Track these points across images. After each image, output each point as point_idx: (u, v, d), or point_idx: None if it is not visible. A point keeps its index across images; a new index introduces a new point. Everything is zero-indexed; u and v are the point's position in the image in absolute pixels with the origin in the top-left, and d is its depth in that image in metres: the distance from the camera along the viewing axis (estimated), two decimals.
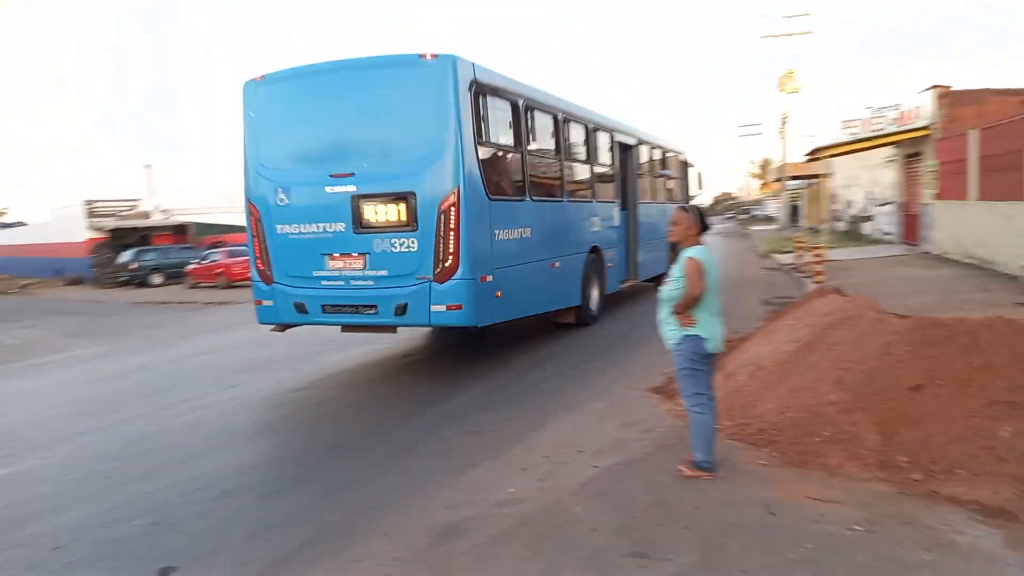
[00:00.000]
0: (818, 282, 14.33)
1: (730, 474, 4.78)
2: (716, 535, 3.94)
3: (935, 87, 17.52)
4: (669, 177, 15.48)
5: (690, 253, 4.69)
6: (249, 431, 6.81)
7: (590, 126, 11.12)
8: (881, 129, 19.17)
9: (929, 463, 4.49)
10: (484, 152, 7.69)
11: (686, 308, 4.63)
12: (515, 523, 4.22)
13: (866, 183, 27.90)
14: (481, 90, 7.69)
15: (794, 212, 44.49)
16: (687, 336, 4.69)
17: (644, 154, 13.77)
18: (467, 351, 9.79)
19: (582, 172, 11.02)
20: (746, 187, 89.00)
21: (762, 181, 70.69)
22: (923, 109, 18.02)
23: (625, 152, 12.68)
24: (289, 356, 10.02)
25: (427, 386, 7.99)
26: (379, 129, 7.67)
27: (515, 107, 8.59)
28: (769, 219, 56.98)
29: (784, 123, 29.56)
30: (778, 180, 37.37)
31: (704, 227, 4.80)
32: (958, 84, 17.35)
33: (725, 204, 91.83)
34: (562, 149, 9.95)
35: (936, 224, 17.65)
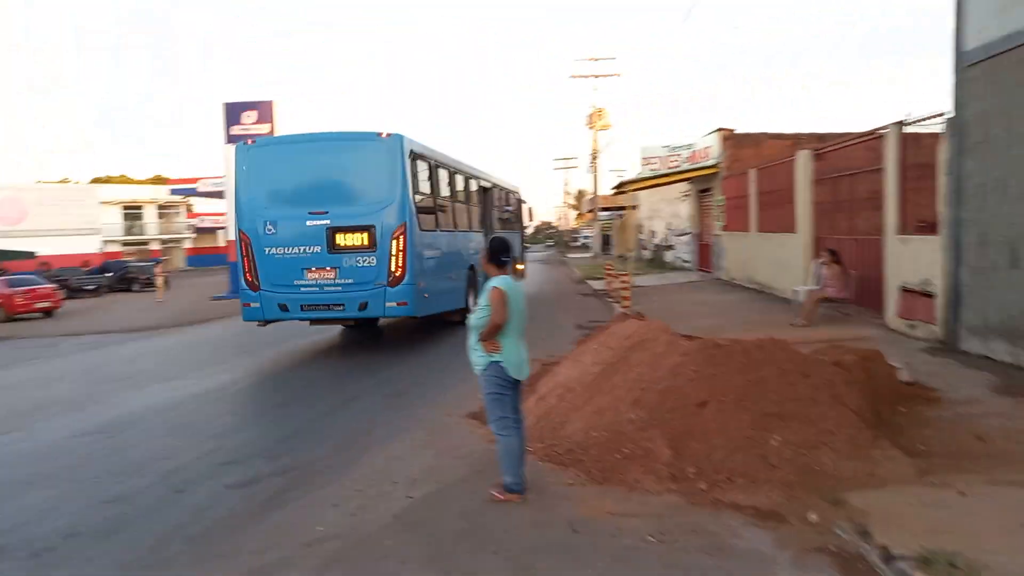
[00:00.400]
0: (625, 307, 15.31)
1: (539, 495, 4.94)
2: (524, 556, 4.04)
3: (720, 130, 19.50)
4: (510, 211, 19.25)
5: (494, 283, 4.83)
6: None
7: (467, 175, 14.53)
8: (677, 166, 20.98)
9: (713, 473, 4.90)
10: (417, 198, 10.87)
11: (490, 335, 4.75)
12: (321, 563, 4.08)
13: (667, 215, 30.28)
14: (414, 157, 10.89)
15: (606, 241, 47.38)
16: (492, 362, 4.81)
17: (496, 194, 17.21)
18: (295, 379, 9.42)
19: (463, 210, 14.15)
20: (564, 217, 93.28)
21: (578, 212, 74.48)
22: (711, 149, 19.97)
23: (485, 193, 16.06)
24: (72, 398, 9.05)
25: (254, 423, 7.54)
26: (345, 181, 10.73)
27: (430, 166, 11.92)
28: (585, 247, 60.04)
29: (595, 158, 31.44)
30: (590, 211, 39.53)
31: (494, 259, 4.93)
32: (739, 128, 19.47)
33: (546, 233, 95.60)
34: (453, 193, 13.37)
35: (725, 253, 19.51)
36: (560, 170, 60.12)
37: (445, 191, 12.82)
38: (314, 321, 11.65)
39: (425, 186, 11.57)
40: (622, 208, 37.68)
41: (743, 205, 17.44)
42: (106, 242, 54.14)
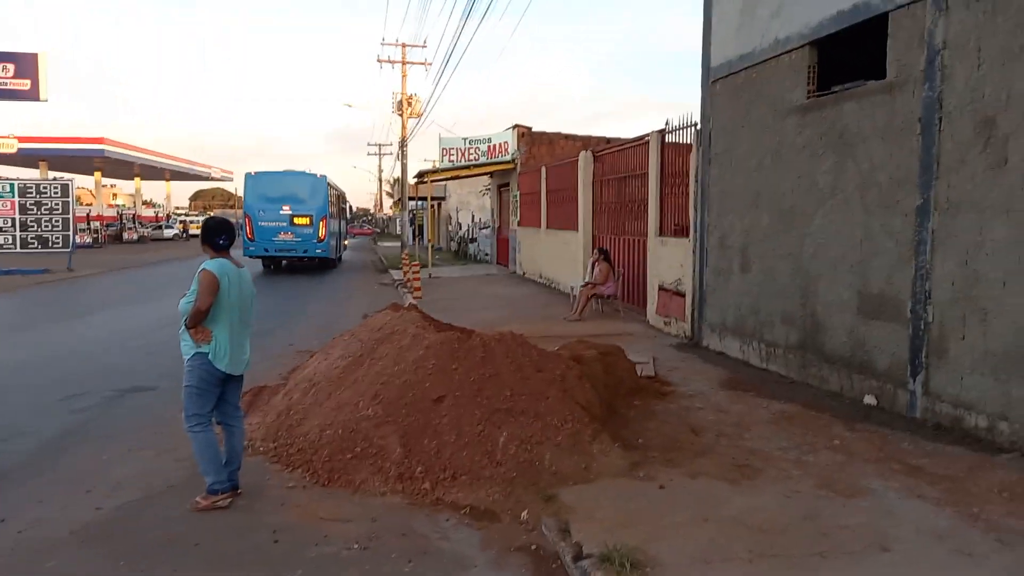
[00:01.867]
0: (417, 297, 15.15)
1: (252, 499, 4.58)
2: (211, 570, 3.68)
3: (516, 126, 19.89)
4: (343, 206, 31.64)
5: (206, 265, 4.39)
6: None
7: (338, 191, 27.59)
8: (476, 159, 21.15)
9: (440, 471, 4.79)
10: (330, 205, 23.65)
11: (195, 322, 4.32)
12: None
13: (475, 208, 30.60)
14: (328, 185, 22.86)
15: (420, 231, 47.04)
16: (198, 353, 4.38)
17: (340, 197, 29.79)
18: (32, 365, 8.18)
19: (336, 208, 26.13)
20: (378, 204, 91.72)
21: (393, 200, 73.39)
22: (509, 144, 20.33)
23: (339, 198, 28.31)
24: None
25: None
26: (299, 193, 22.10)
27: (330, 187, 23.34)
28: (398, 236, 59.30)
29: (403, 145, 31.00)
30: (398, 201, 39.09)
31: (209, 239, 4.51)
32: (537, 127, 19.97)
33: (362, 220, 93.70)
34: (336, 200, 25.97)
35: (520, 247, 19.97)
36: (373, 155, 58.60)
37: (333, 200, 24.97)
38: (279, 259, 23.08)
39: (330, 197, 23.49)
40: (434, 198, 37.57)
41: (536, 202, 17.91)
42: None
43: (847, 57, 7.41)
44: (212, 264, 4.40)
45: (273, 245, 21.61)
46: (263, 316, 13.01)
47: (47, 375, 8.16)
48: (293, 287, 18.98)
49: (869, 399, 6.39)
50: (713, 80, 8.80)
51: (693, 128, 9.42)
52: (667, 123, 10.25)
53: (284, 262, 23.40)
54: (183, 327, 4.43)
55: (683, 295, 9.79)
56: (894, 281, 6.14)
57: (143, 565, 3.73)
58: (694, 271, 9.39)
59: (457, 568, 3.72)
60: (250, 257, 21.38)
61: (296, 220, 21.59)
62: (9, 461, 5.30)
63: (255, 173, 22.04)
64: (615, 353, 6.78)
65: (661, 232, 10.62)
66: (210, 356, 4.37)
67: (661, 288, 10.51)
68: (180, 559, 3.79)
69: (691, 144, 9.56)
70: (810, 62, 7.23)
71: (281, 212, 21.52)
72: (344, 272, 24.50)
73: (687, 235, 9.68)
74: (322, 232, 21.84)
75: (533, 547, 3.92)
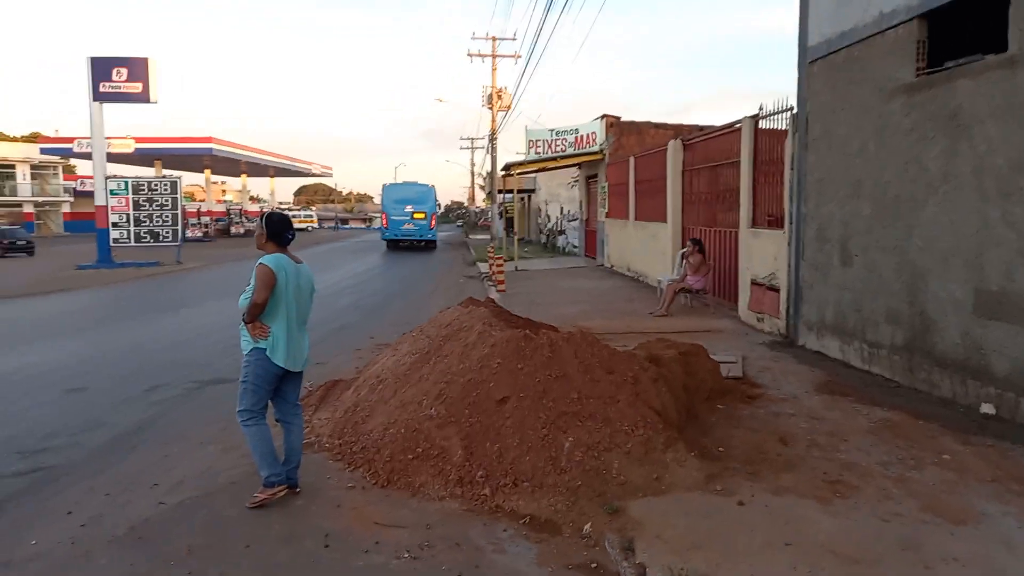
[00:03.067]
0: (500, 291, 15.01)
1: (309, 499, 4.48)
2: None
3: (604, 116, 19.37)
4: (436, 203, 36.71)
5: (264, 260, 4.31)
6: None
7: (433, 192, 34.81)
8: (563, 151, 20.77)
9: (501, 476, 4.55)
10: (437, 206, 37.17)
11: (252, 317, 4.24)
12: None
13: (565, 200, 30.22)
14: (432, 190, 33.79)
15: (510, 224, 47.08)
16: (256, 349, 4.30)
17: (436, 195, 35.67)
18: (112, 361, 8.52)
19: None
20: (471, 197, 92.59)
21: (486, 193, 73.82)
22: (596, 135, 19.84)
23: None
24: None
25: (34, 412, 6.69)
26: (418, 197, 32.72)
27: (434, 193, 34.43)
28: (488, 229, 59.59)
29: (493, 139, 30.97)
30: (489, 194, 39.19)
31: (275, 236, 4.43)
32: (625, 116, 19.39)
33: (456, 213, 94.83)
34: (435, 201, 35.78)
35: (608, 240, 19.49)
36: (465, 149, 59.38)
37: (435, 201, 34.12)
38: (403, 242, 31.78)
39: (435, 199, 33.18)
40: (524, 191, 37.44)
41: (624, 193, 17.40)
42: None
43: (961, 30, 6.64)
44: (269, 259, 4.32)
45: (400, 232, 32.04)
46: (347, 309, 13.20)
47: (136, 366, 8.45)
48: (383, 281, 19.25)
49: (986, 408, 5.69)
50: (810, 61, 8.13)
51: (789, 112, 8.77)
52: (760, 108, 9.62)
53: (403, 243, 32.66)
54: (242, 322, 4.37)
55: (777, 290, 9.16)
56: (1015, 277, 5.43)
57: (192, 565, 3.66)
58: (789, 265, 8.75)
59: None
60: (385, 240, 32.73)
61: (415, 215, 32.13)
62: (84, 453, 5.44)
63: (388, 184, 34.02)
64: (697, 353, 6.34)
65: (754, 223, 9.99)
66: (267, 351, 4.29)
67: (754, 282, 9.89)
68: (229, 561, 3.71)
69: (786, 130, 8.91)
70: (919, 37, 6.52)
71: (405, 210, 32.04)
72: (433, 264, 24.78)
73: (781, 226, 9.04)
74: (432, 223, 32.43)
75: (593, 565, 3.61)
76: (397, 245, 32.46)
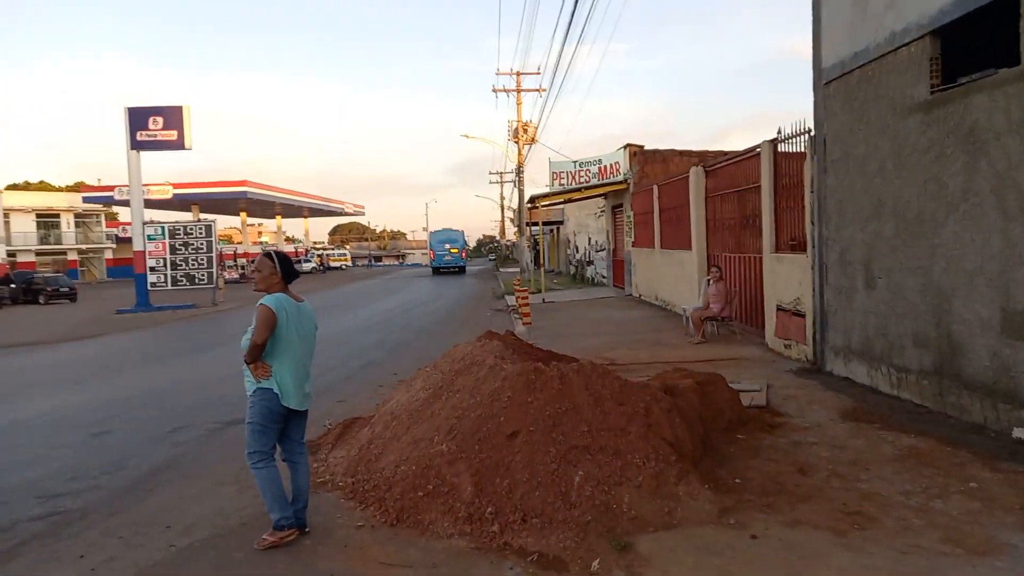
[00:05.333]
0: (526, 323, 14.95)
1: (317, 540, 4.45)
2: None
3: (628, 146, 19.38)
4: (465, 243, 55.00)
5: (264, 300, 4.34)
6: None
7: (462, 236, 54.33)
8: (587, 181, 20.80)
9: (510, 512, 4.47)
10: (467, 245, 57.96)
11: (253, 357, 4.26)
12: None
13: (593, 230, 30.21)
14: (462, 234, 53.51)
15: (538, 256, 47.37)
16: (260, 389, 4.32)
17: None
18: (139, 404, 8.66)
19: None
20: (502, 231, 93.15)
21: (517, 226, 74.22)
22: (621, 165, 19.84)
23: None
24: None
25: (58, 455, 6.81)
26: (453, 239, 51.16)
27: (463, 238, 54.89)
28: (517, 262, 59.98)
29: (520, 172, 31.16)
30: (517, 227, 39.41)
31: (288, 274, 4.50)
32: (648, 145, 19.37)
33: (488, 247, 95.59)
34: (466, 243, 57.58)
35: (635, 269, 19.37)
36: (494, 183, 61.05)
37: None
38: (444, 269, 48.99)
39: (464, 240, 52.34)
40: (553, 223, 37.58)
41: (649, 221, 17.32)
42: (16, 251, 51.53)
43: (973, 46, 6.53)
44: (270, 299, 4.36)
45: (442, 263, 48.45)
46: (373, 347, 13.25)
47: (161, 408, 8.57)
48: (411, 317, 19.36)
49: (1019, 432, 5.46)
50: (826, 82, 8.06)
51: (807, 135, 8.67)
52: (779, 131, 9.53)
53: (443, 271, 47.88)
54: (245, 363, 4.40)
55: (803, 315, 8.98)
56: None
57: None
58: (813, 289, 8.58)
59: None
60: (432, 268, 49.48)
61: (451, 250, 48.82)
62: (103, 496, 5.49)
63: (433, 231, 52.06)
64: (714, 382, 6.22)
65: (777, 248, 9.84)
66: (276, 392, 4.31)
67: (779, 308, 9.71)
68: None
69: (805, 152, 8.81)
70: (932, 53, 6.42)
71: (445, 247, 48.85)
72: (463, 296, 24.90)
73: (804, 250, 8.89)
74: (463, 255, 49.12)
75: None
76: (439, 271, 48.55)
